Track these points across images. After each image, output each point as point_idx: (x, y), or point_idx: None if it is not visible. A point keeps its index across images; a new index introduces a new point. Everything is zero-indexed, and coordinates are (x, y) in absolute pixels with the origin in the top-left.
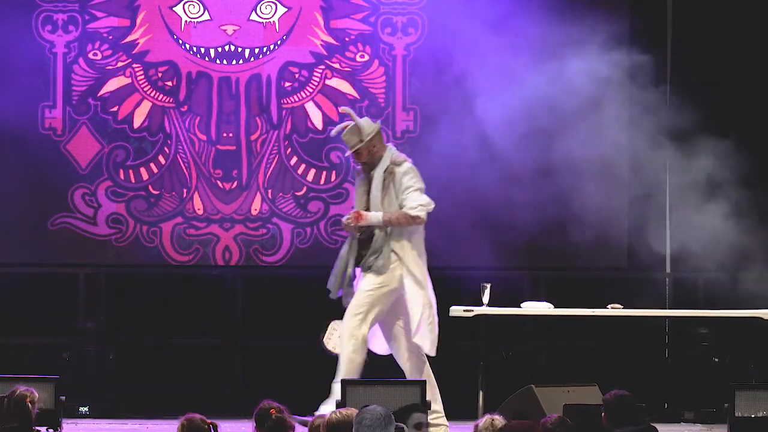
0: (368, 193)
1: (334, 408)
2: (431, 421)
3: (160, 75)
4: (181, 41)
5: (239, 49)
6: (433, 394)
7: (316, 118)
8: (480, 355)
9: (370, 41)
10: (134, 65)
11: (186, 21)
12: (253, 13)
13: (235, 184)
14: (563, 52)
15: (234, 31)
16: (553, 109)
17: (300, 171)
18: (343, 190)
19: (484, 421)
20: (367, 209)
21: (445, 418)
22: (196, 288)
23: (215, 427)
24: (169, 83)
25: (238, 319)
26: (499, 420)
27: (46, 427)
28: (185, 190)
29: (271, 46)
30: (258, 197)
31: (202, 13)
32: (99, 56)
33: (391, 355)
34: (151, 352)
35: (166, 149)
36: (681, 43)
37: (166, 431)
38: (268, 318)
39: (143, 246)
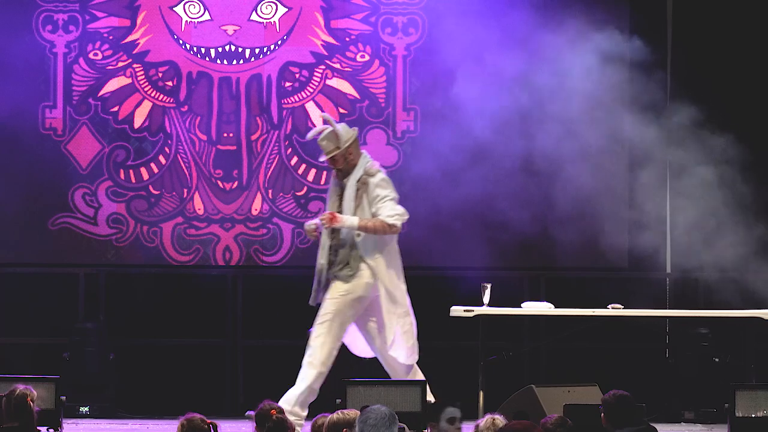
0: (341, 199)
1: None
2: None
3: (160, 75)
4: (181, 41)
5: (240, 49)
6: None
7: (317, 118)
8: (480, 355)
9: (370, 41)
10: (135, 65)
11: (186, 21)
12: (254, 13)
13: (236, 184)
14: (563, 49)
15: (234, 31)
16: (553, 107)
17: (300, 171)
18: None
19: (485, 420)
20: None
21: None
22: (197, 288)
23: (215, 427)
24: (170, 83)
25: (238, 319)
26: (500, 420)
27: (46, 427)
28: (186, 190)
29: (272, 46)
30: (258, 197)
31: (203, 13)
32: (99, 56)
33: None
34: (151, 352)
35: (166, 149)
36: (681, 37)
37: (166, 431)
38: (268, 318)
39: (143, 246)
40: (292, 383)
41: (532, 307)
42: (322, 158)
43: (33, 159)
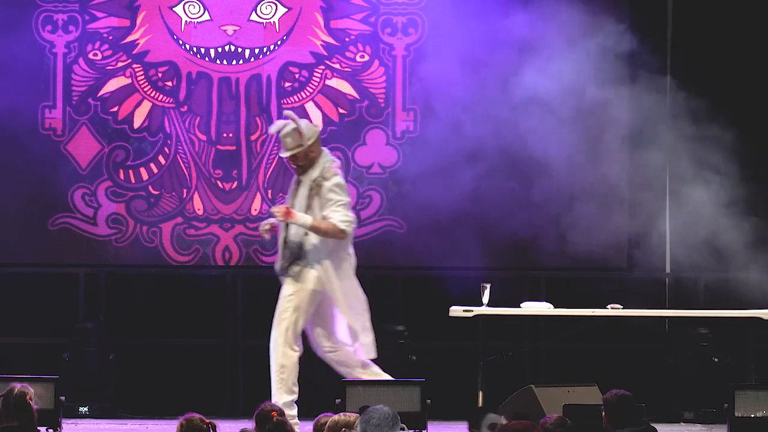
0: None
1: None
2: None
3: (160, 75)
4: (181, 41)
5: (239, 50)
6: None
7: (316, 119)
8: (479, 356)
9: (370, 41)
10: (134, 65)
11: (186, 21)
12: (253, 13)
13: (235, 184)
14: (563, 49)
15: (234, 31)
16: (553, 107)
17: None
18: None
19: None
20: None
21: None
22: (196, 288)
23: (215, 427)
24: (169, 83)
25: (238, 320)
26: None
27: (45, 428)
28: (185, 191)
29: (271, 47)
30: (258, 197)
31: (202, 14)
32: (99, 56)
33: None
34: (151, 352)
35: (166, 149)
36: (681, 37)
37: (166, 431)
38: (268, 318)
39: (143, 246)
40: None
41: (531, 307)
42: (283, 154)
43: (33, 159)
